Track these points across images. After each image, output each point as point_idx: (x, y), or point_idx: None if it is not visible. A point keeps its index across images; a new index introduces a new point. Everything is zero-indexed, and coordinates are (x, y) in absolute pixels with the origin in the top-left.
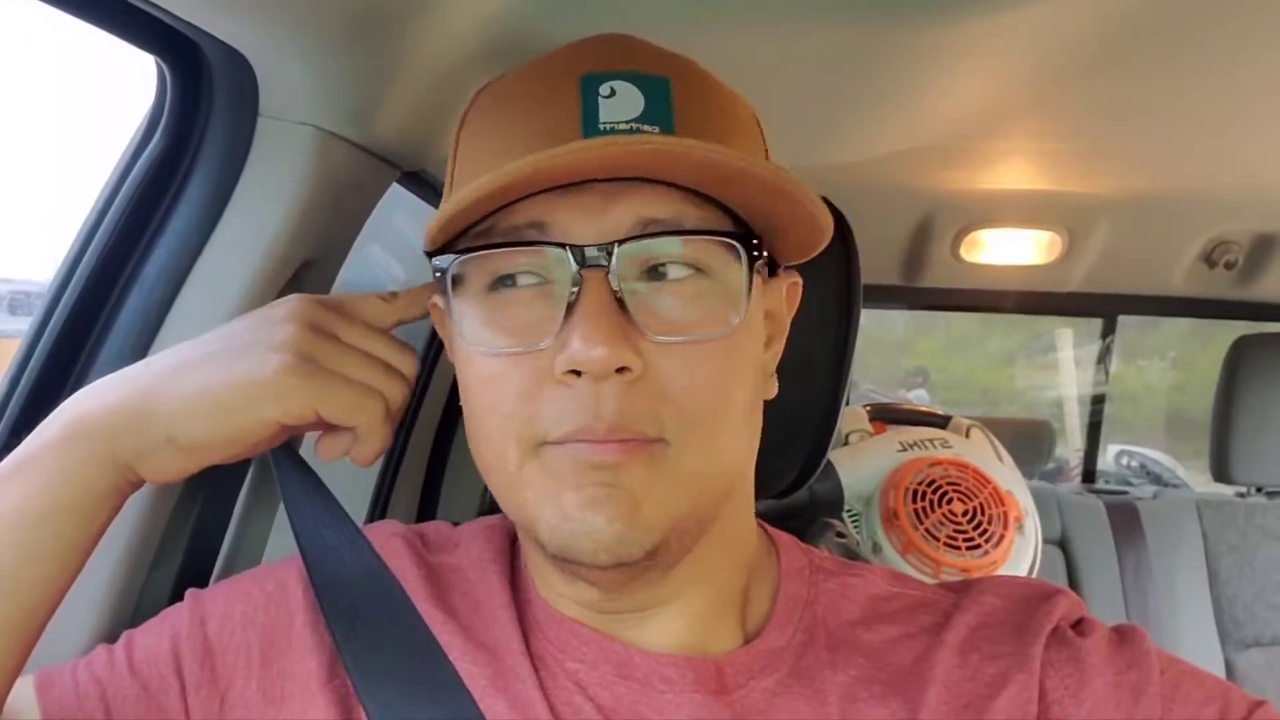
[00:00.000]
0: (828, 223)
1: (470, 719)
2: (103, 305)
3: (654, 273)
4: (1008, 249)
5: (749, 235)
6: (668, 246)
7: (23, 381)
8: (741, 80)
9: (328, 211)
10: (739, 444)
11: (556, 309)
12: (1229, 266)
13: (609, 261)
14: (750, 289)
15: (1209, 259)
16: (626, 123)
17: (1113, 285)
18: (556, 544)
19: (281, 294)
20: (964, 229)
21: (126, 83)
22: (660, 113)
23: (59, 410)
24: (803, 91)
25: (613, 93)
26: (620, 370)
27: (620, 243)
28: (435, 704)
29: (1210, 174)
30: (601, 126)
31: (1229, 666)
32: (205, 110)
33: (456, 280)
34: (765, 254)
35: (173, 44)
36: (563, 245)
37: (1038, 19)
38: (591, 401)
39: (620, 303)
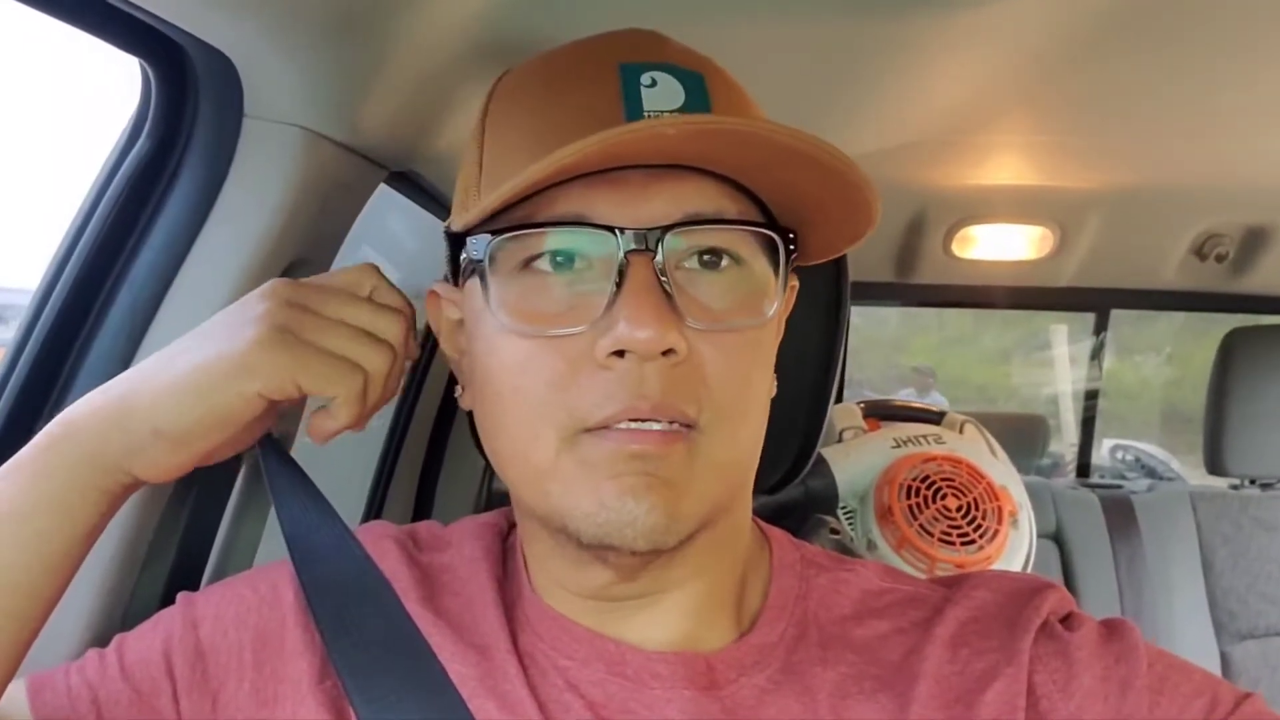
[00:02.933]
0: (878, 206)
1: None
2: (90, 307)
3: (694, 261)
4: (1000, 244)
5: (784, 229)
6: (710, 236)
7: (10, 383)
8: None
9: (315, 212)
10: (757, 436)
11: (595, 294)
12: (1220, 259)
13: (654, 247)
14: (785, 281)
15: (1200, 252)
16: (670, 112)
17: (1105, 280)
18: (593, 533)
19: None
20: (956, 224)
21: (112, 86)
22: (701, 105)
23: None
24: (789, 86)
25: (654, 83)
26: (666, 353)
27: (667, 229)
28: (425, 705)
29: (1200, 167)
30: (646, 114)
31: (1224, 659)
32: (190, 112)
33: (490, 262)
34: (795, 250)
35: (157, 46)
36: (612, 229)
37: (1027, 12)
38: (636, 382)
39: (664, 288)
